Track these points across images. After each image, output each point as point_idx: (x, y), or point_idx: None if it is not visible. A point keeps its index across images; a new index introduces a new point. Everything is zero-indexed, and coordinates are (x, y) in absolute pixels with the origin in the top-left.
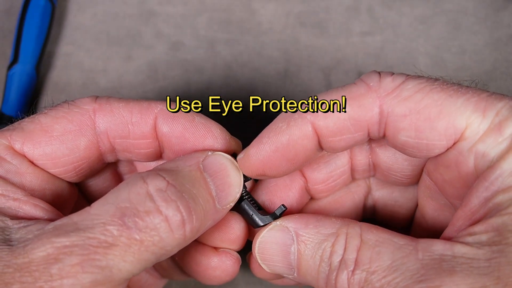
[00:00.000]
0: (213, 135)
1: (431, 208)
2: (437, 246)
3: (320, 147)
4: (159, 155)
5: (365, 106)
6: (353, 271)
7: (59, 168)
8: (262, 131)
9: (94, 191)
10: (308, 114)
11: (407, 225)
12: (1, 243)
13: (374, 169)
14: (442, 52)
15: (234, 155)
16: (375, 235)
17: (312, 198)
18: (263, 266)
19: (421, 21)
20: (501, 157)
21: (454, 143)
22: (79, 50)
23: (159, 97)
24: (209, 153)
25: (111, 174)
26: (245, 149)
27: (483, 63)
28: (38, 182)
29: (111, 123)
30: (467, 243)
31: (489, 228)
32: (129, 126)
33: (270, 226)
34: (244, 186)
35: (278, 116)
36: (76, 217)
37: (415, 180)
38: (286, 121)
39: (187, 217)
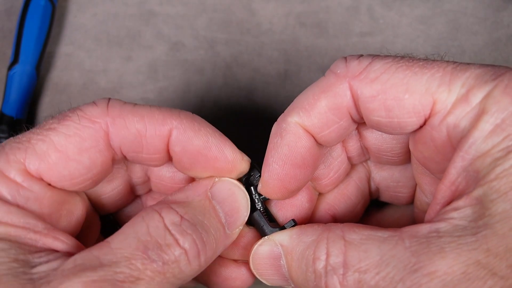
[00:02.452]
0: (226, 158)
1: (427, 184)
2: (422, 230)
3: (319, 144)
4: (169, 161)
5: (338, 93)
6: (343, 274)
7: (77, 186)
8: (265, 156)
9: (103, 196)
10: (293, 117)
11: (411, 203)
12: (24, 279)
13: (367, 152)
14: (442, 52)
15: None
16: (358, 234)
17: (320, 194)
18: (262, 281)
19: (420, 21)
20: (472, 125)
21: (426, 120)
22: (79, 50)
23: (159, 97)
24: (216, 179)
25: (122, 181)
26: (260, 179)
27: (483, 63)
28: (55, 205)
29: (126, 139)
30: (452, 219)
31: (472, 201)
32: (143, 141)
33: (259, 242)
34: (261, 199)
35: (270, 135)
36: (96, 252)
37: (408, 157)
38: (278, 134)
39: (202, 249)
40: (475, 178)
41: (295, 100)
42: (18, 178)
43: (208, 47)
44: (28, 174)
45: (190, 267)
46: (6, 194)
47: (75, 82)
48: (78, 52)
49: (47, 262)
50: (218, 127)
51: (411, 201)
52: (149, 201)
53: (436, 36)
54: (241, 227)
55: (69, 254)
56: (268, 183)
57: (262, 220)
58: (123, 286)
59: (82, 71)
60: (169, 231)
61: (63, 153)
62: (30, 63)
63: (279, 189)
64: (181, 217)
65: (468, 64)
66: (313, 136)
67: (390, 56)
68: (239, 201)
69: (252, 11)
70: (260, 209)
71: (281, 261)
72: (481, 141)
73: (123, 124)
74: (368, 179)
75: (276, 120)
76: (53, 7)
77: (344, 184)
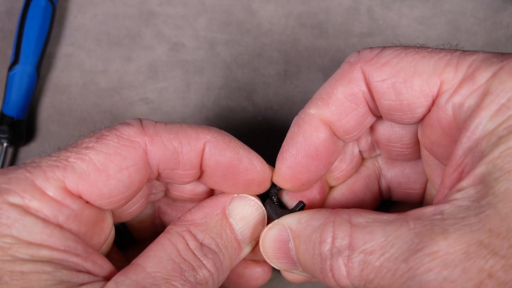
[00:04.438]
0: (255, 169)
1: (438, 176)
2: (426, 213)
3: (337, 137)
4: (197, 178)
5: (353, 79)
6: (349, 256)
7: (113, 205)
8: (282, 145)
9: (126, 212)
10: (311, 108)
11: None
12: None
13: (378, 146)
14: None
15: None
16: (364, 217)
17: (330, 188)
18: (271, 264)
19: (420, 22)
20: (478, 105)
21: (434, 101)
22: (79, 50)
23: (159, 98)
24: (235, 194)
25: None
26: (275, 167)
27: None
28: (91, 224)
29: (164, 157)
30: (455, 201)
31: (476, 180)
32: (179, 158)
33: (268, 226)
34: (275, 190)
35: (290, 126)
36: (134, 276)
37: (418, 151)
38: (296, 124)
39: (220, 269)
40: (480, 158)
41: (315, 93)
42: (59, 196)
43: (208, 47)
44: (68, 191)
45: (214, 286)
46: (48, 212)
47: (75, 83)
48: (78, 53)
49: (90, 283)
50: (218, 128)
51: (423, 199)
52: (162, 205)
53: (436, 36)
54: (257, 239)
55: (106, 279)
56: (279, 170)
57: (272, 206)
58: None
59: (82, 72)
60: (195, 254)
61: (103, 171)
62: (31, 63)
63: (290, 178)
64: (201, 244)
65: (476, 51)
66: (332, 128)
67: (401, 45)
68: (257, 216)
69: (252, 11)
70: (271, 197)
71: (290, 244)
72: (487, 120)
73: (161, 142)
74: (378, 177)
75: (276, 120)
76: (54, 7)
77: (353, 180)
